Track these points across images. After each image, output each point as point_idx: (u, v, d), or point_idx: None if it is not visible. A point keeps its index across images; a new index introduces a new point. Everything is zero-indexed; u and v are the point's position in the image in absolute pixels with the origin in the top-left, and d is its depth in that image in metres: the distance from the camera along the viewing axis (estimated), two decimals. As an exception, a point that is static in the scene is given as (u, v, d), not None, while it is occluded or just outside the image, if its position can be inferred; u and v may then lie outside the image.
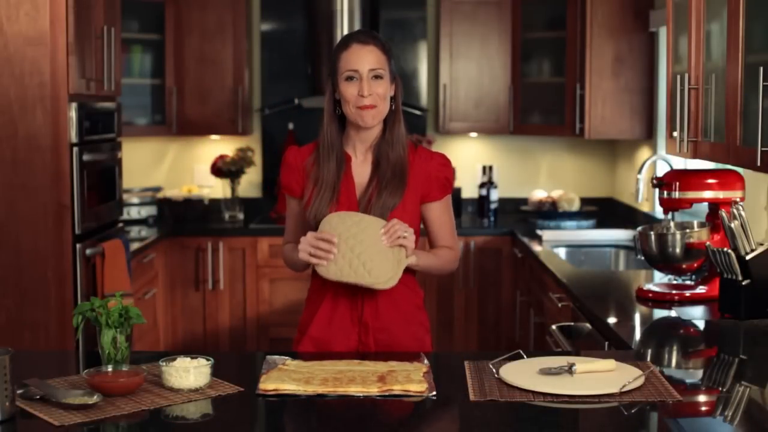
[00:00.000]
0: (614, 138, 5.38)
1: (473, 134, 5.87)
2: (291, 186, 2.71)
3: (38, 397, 2.09)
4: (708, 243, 3.06)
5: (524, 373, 2.22)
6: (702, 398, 2.23)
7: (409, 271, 2.61)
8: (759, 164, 2.39)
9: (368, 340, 2.62)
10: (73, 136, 3.90)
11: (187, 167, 5.94)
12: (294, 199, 2.72)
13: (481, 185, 5.75)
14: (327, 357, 2.45)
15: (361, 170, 2.66)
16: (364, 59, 2.58)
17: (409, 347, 2.64)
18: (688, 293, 3.14)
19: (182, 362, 2.19)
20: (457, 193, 5.78)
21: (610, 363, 2.26)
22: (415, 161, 2.66)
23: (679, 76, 3.03)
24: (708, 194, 3.14)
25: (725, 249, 2.89)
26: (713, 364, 2.55)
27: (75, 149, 3.91)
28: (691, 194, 3.15)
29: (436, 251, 2.71)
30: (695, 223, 3.27)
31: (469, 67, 5.63)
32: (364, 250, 2.49)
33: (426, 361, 2.38)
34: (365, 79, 2.58)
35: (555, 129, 5.49)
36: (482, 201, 5.72)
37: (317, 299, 2.68)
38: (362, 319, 2.62)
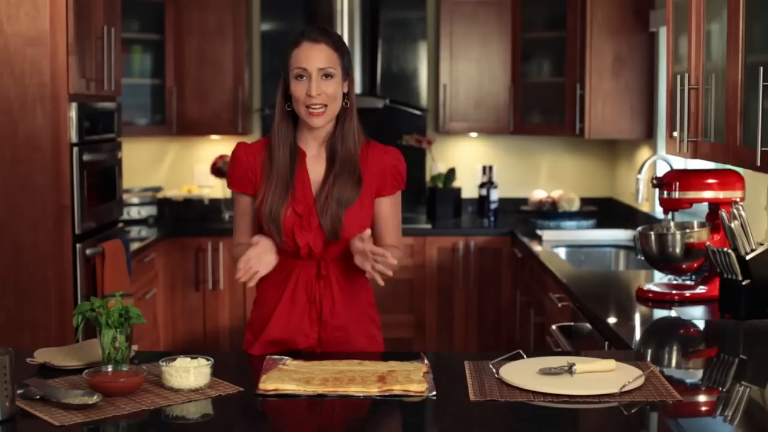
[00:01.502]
0: (614, 138, 5.38)
1: (473, 134, 5.87)
2: (242, 183, 2.66)
3: (38, 397, 2.09)
4: (708, 243, 3.06)
5: (524, 373, 2.21)
6: (702, 398, 2.23)
7: (360, 270, 2.58)
8: (759, 164, 2.39)
9: (327, 339, 2.61)
10: (73, 136, 3.90)
11: (187, 167, 5.94)
12: (244, 196, 2.67)
13: (481, 185, 5.75)
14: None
15: (315, 166, 2.63)
16: (314, 58, 2.54)
17: (364, 346, 2.65)
18: (688, 293, 3.14)
19: (182, 362, 2.19)
20: (457, 193, 5.78)
21: (610, 363, 2.26)
22: (368, 156, 2.64)
23: (679, 76, 3.03)
24: (708, 194, 3.14)
25: (725, 249, 2.89)
26: (713, 364, 2.55)
27: (75, 149, 3.91)
28: (691, 194, 3.15)
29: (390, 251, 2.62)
30: (695, 223, 3.27)
31: (469, 67, 5.63)
32: None
33: (426, 361, 2.38)
34: (314, 78, 2.53)
35: (555, 129, 5.49)
36: (482, 201, 5.73)
37: (272, 298, 2.65)
38: (321, 318, 2.61)
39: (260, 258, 2.51)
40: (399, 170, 2.68)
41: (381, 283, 2.49)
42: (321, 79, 2.54)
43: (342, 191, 2.57)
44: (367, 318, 2.70)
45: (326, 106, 2.55)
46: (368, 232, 2.51)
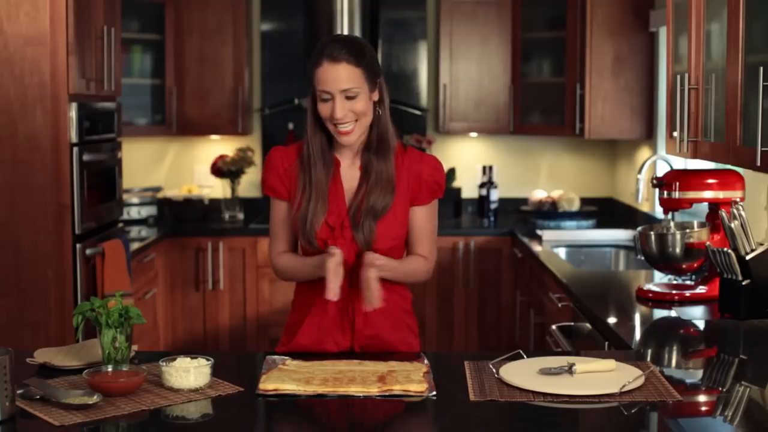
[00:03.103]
0: (614, 138, 5.39)
1: (473, 134, 5.87)
2: (277, 188, 2.61)
3: (38, 397, 2.09)
4: (708, 243, 3.06)
5: (524, 373, 2.21)
6: (702, 398, 2.23)
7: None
8: (759, 164, 2.39)
9: (360, 347, 2.57)
10: (73, 136, 3.90)
11: (187, 167, 5.94)
12: (280, 201, 2.62)
13: (481, 185, 5.75)
14: (325, 357, 2.44)
15: (349, 175, 2.58)
16: (336, 80, 2.45)
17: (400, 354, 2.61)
18: (688, 293, 3.14)
19: (182, 362, 2.19)
20: (457, 193, 5.78)
21: (610, 363, 2.26)
22: (404, 163, 2.59)
23: (679, 76, 3.03)
24: (708, 194, 3.14)
25: (725, 249, 2.89)
26: (713, 364, 2.55)
27: (75, 149, 3.91)
28: (691, 194, 3.15)
29: (408, 263, 2.62)
30: (695, 223, 3.27)
31: (469, 67, 5.64)
32: None
33: (426, 361, 2.38)
34: (338, 100, 2.46)
35: (555, 129, 5.49)
36: (482, 201, 5.72)
37: (305, 303, 2.62)
38: (354, 326, 2.57)
39: (337, 271, 2.44)
40: (436, 179, 2.63)
41: (367, 308, 2.46)
42: (345, 100, 2.47)
43: (376, 202, 2.52)
44: (404, 326, 2.65)
45: (356, 122, 2.49)
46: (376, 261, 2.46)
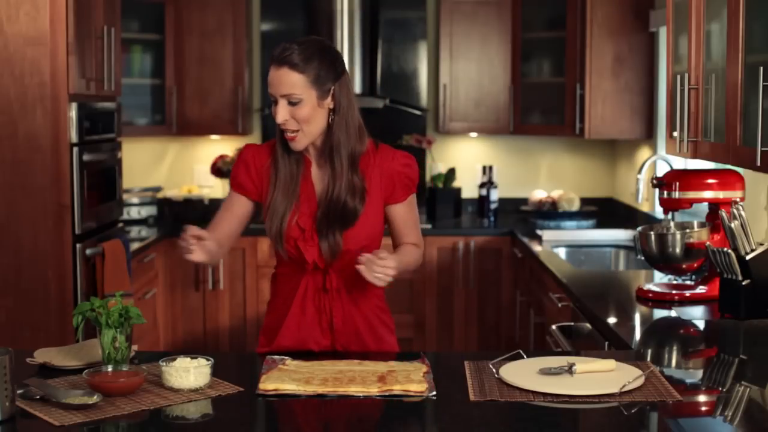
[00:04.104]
0: (614, 138, 5.39)
1: (473, 134, 5.87)
2: (246, 186, 2.59)
3: (38, 397, 2.09)
4: (708, 243, 3.06)
5: (524, 373, 2.21)
6: (702, 398, 2.23)
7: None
8: (759, 164, 2.39)
9: (341, 345, 2.58)
10: (73, 136, 3.90)
11: (187, 167, 5.94)
12: (241, 197, 2.60)
13: (481, 185, 5.75)
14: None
15: (320, 175, 2.55)
16: (277, 84, 2.43)
17: (377, 350, 2.62)
18: (688, 293, 3.14)
19: (182, 362, 2.19)
20: (457, 193, 5.78)
21: (610, 363, 2.26)
22: (376, 162, 2.55)
23: (679, 76, 3.03)
24: (708, 194, 3.14)
25: (725, 249, 2.89)
26: (713, 364, 2.55)
27: (75, 149, 3.91)
28: (691, 194, 3.15)
29: (403, 251, 2.61)
30: (695, 223, 3.27)
31: (469, 67, 5.63)
32: None
33: (426, 361, 2.38)
34: (280, 104, 2.43)
35: (555, 129, 5.49)
36: (482, 201, 5.72)
37: (282, 306, 2.62)
38: (332, 326, 2.58)
39: (204, 246, 2.42)
40: (408, 176, 2.60)
41: (382, 284, 2.45)
42: (288, 105, 2.44)
43: (347, 202, 2.50)
44: (379, 323, 2.66)
45: (299, 130, 2.45)
46: (368, 255, 2.41)
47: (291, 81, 2.42)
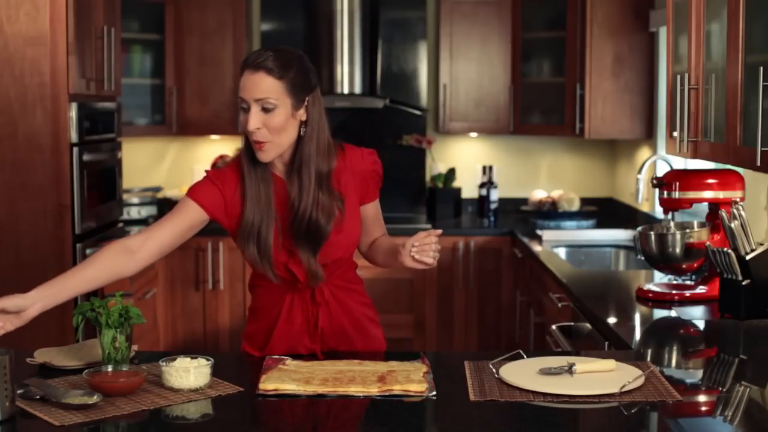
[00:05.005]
0: (614, 138, 5.38)
1: (473, 134, 5.87)
2: (209, 196, 2.45)
3: (38, 397, 2.09)
4: (708, 243, 3.06)
5: (524, 373, 2.21)
6: (702, 398, 2.23)
7: (349, 276, 2.59)
8: (759, 164, 2.39)
9: (329, 346, 2.58)
10: (73, 136, 3.90)
11: (187, 167, 5.94)
12: (198, 208, 2.45)
13: (481, 185, 5.75)
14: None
15: (291, 188, 2.45)
16: (252, 88, 2.33)
17: (365, 346, 2.63)
18: (688, 293, 3.14)
19: (182, 362, 2.19)
20: (457, 193, 5.78)
21: (610, 363, 2.26)
22: (347, 165, 2.50)
23: (679, 76, 3.03)
24: (708, 194, 3.14)
25: (725, 249, 2.89)
26: (713, 364, 2.55)
27: (75, 149, 3.91)
28: (691, 194, 3.15)
29: (384, 242, 2.60)
30: (695, 223, 3.27)
31: (469, 67, 5.63)
32: None
33: (426, 361, 2.38)
34: (252, 110, 2.34)
35: (555, 129, 5.49)
36: (482, 201, 5.72)
37: (267, 316, 2.60)
38: (318, 326, 2.55)
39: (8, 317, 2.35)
40: (378, 173, 2.59)
41: (432, 263, 2.45)
42: (261, 112, 2.35)
43: (309, 229, 2.43)
44: (365, 318, 2.66)
45: (267, 143, 2.36)
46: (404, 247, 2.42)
47: (267, 85, 2.34)
